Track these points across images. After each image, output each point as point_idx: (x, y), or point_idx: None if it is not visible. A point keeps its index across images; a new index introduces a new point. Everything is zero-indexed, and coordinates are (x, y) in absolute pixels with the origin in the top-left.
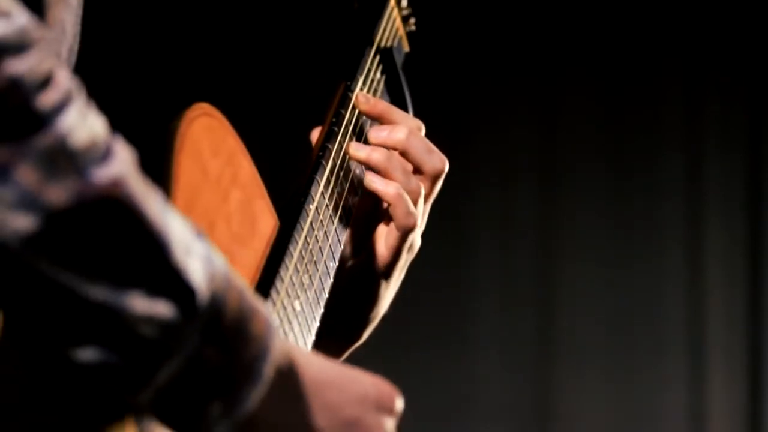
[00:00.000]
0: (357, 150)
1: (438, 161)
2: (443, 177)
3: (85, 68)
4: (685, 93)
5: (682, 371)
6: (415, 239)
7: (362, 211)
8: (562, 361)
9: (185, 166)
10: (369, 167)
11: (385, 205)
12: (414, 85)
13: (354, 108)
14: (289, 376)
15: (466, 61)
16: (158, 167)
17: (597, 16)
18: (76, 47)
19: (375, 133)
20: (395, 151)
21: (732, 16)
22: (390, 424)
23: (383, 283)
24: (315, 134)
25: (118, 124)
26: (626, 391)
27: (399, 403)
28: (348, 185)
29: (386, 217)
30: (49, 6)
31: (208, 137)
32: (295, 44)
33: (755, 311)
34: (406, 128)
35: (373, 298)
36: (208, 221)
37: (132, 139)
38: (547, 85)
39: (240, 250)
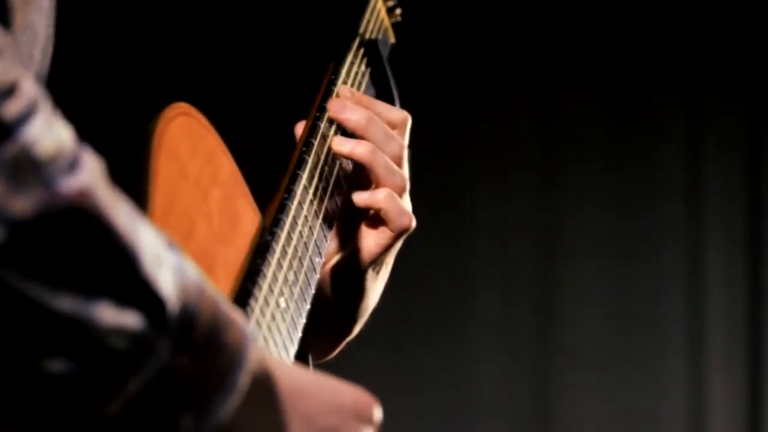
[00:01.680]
0: (340, 145)
1: (396, 147)
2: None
3: (62, 70)
4: (685, 93)
5: (682, 371)
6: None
7: (348, 205)
8: (562, 361)
9: (163, 166)
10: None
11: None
12: (414, 85)
13: None
14: (265, 386)
15: (466, 60)
16: (136, 169)
17: (597, 16)
18: (49, 49)
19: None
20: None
21: (732, 16)
22: None
23: (371, 276)
24: (299, 129)
25: (95, 126)
26: (626, 391)
27: (378, 414)
28: (333, 180)
29: (365, 213)
30: (15, 9)
31: (186, 137)
32: (278, 38)
33: (755, 311)
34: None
35: (362, 292)
36: (188, 221)
37: (109, 140)
38: (546, 84)
39: (222, 249)
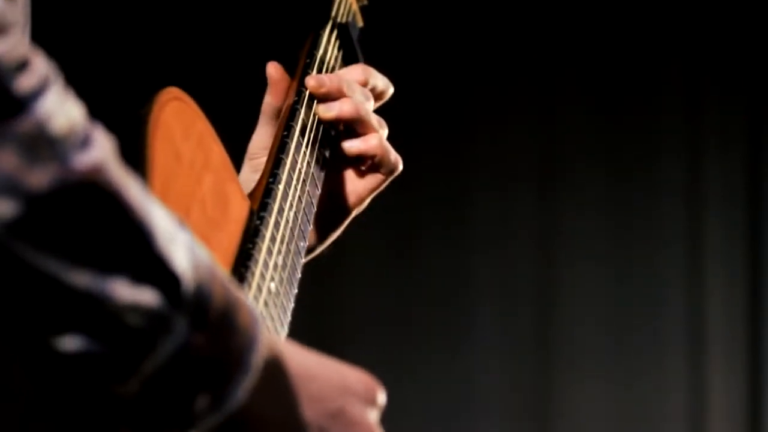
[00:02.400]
0: (327, 110)
1: (383, 83)
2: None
3: (53, 57)
4: (685, 93)
5: (682, 371)
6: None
7: (334, 156)
8: (562, 362)
9: (159, 151)
10: (342, 122)
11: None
12: (413, 90)
13: None
14: (275, 369)
15: (465, 64)
16: (132, 154)
17: (596, 18)
18: (27, 31)
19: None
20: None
21: (731, 16)
22: (374, 415)
23: (352, 214)
24: (272, 71)
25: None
26: (626, 391)
27: (381, 396)
28: (314, 161)
29: (356, 159)
30: None
31: (179, 122)
32: (253, 23)
33: (755, 311)
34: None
35: (339, 229)
36: (183, 206)
37: (103, 125)
38: (546, 84)
39: (215, 233)
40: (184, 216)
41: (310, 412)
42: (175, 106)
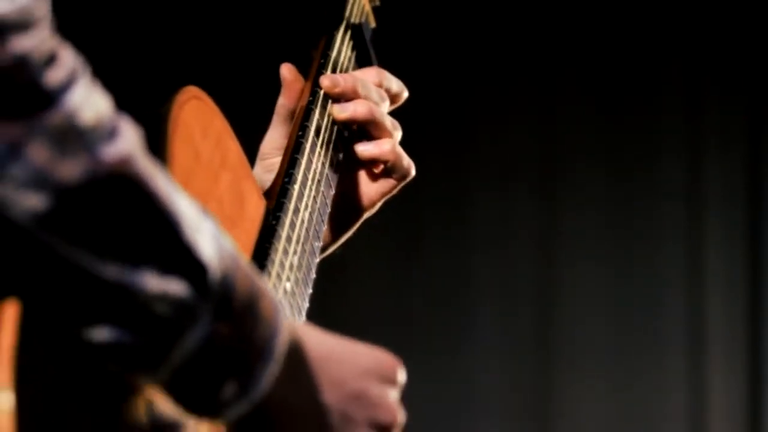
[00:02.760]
0: (342, 111)
1: (397, 86)
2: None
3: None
4: (685, 93)
5: (682, 371)
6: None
7: (347, 157)
8: (562, 361)
9: (179, 150)
10: (356, 123)
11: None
12: (413, 91)
13: None
14: (296, 355)
15: (466, 64)
16: (152, 152)
17: (596, 19)
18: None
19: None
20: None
21: (731, 17)
22: (394, 394)
23: (364, 216)
24: (286, 72)
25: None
26: (626, 391)
27: (401, 374)
28: (329, 162)
29: (371, 162)
30: None
31: (198, 121)
32: (267, 24)
33: (755, 311)
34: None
35: (350, 231)
36: (201, 204)
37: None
38: (546, 84)
39: (231, 231)
40: None
41: (331, 395)
42: (195, 105)
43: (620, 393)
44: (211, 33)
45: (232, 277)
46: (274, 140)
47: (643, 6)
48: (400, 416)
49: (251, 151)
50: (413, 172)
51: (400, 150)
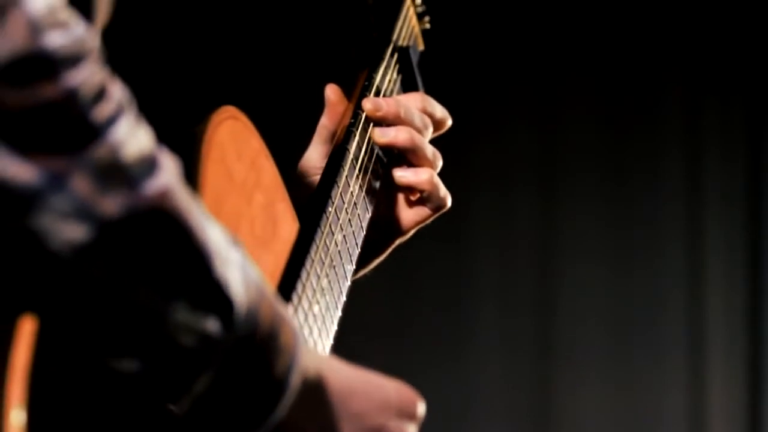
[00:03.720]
0: (382, 135)
1: (441, 113)
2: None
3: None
4: (685, 94)
5: (682, 372)
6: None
7: (385, 180)
8: (562, 362)
9: (212, 171)
10: (395, 149)
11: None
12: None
13: None
14: (316, 385)
15: (467, 67)
16: (185, 171)
17: (596, 21)
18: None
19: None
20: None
21: (731, 18)
22: (412, 429)
23: (397, 241)
24: (332, 93)
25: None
26: (626, 391)
27: (421, 408)
28: (366, 185)
29: (408, 188)
30: (99, 3)
31: (233, 141)
32: (311, 44)
33: (755, 312)
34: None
35: (382, 254)
36: (232, 225)
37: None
38: (546, 84)
39: (262, 253)
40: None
41: (350, 428)
42: (230, 125)
43: (620, 393)
44: (259, 52)
45: (256, 310)
46: (312, 159)
47: (643, 7)
48: None
49: (289, 167)
50: (449, 204)
51: (437, 181)
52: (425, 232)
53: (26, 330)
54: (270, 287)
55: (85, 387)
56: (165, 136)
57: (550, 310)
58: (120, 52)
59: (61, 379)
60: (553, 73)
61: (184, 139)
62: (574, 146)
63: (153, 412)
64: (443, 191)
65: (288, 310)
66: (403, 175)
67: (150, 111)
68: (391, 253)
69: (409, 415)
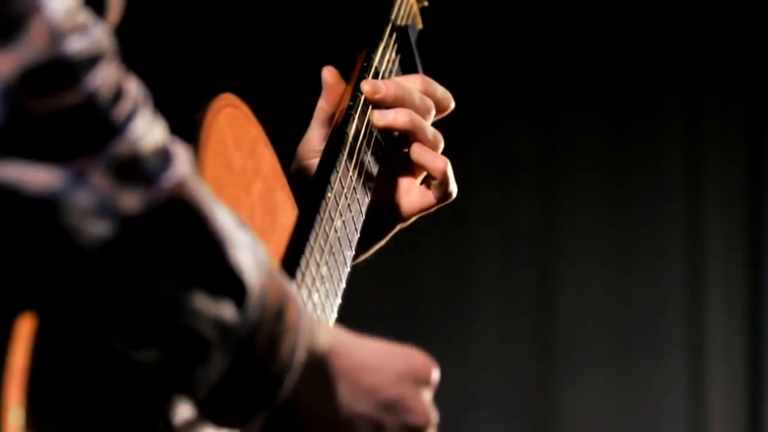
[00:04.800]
0: (381, 118)
1: (442, 95)
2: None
3: None
4: (685, 94)
5: (682, 372)
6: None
7: (388, 164)
8: (562, 362)
9: (211, 159)
10: (395, 131)
11: (422, 173)
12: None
13: None
14: (325, 361)
15: (467, 66)
16: None
17: (596, 21)
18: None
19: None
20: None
21: (731, 18)
22: (427, 395)
23: (398, 227)
24: (328, 75)
25: None
26: (626, 392)
27: (435, 374)
28: (366, 169)
29: (412, 172)
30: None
31: (232, 129)
32: (309, 24)
33: (755, 312)
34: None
35: (383, 237)
36: None
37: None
38: (546, 84)
39: (263, 242)
40: None
41: (364, 404)
42: (229, 113)
43: (620, 393)
44: (254, 34)
45: (266, 289)
46: (311, 143)
47: (643, 7)
48: (434, 416)
49: (288, 154)
50: (454, 196)
51: (450, 172)
52: (425, 232)
53: (24, 329)
54: (275, 266)
55: (85, 386)
56: (165, 122)
57: (550, 310)
58: (119, 40)
59: (60, 379)
60: (554, 73)
61: (183, 126)
62: (574, 146)
63: (150, 411)
64: (453, 184)
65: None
66: (421, 153)
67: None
68: (391, 254)
69: (424, 382)
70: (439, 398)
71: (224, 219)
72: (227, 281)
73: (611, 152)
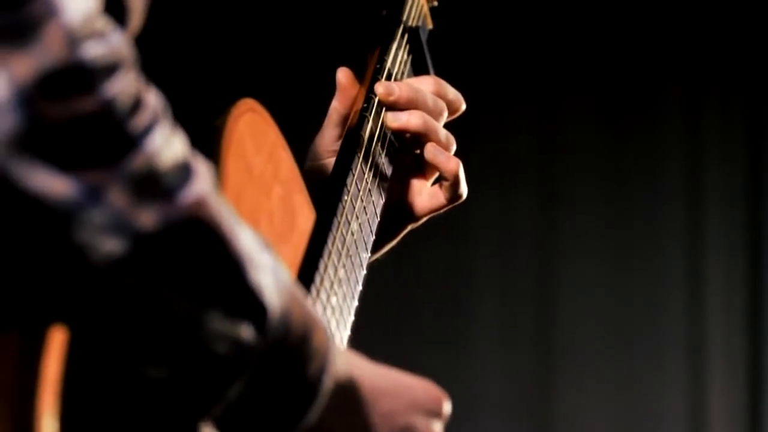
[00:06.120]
0: (395, 120)
1: (454, 96)
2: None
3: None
4: (685, 94)
5: (682, 372)
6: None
7: (401, 163)
8: (562, 361)
9: (232, 165)
10: (408, 133)
11: (433, 174)
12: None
13: None
14: (346, 386)
15: (466, 66)
16: None
17: (596, 22)
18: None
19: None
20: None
21: (731, 18)
22: (438, 427)
23: (409, 227)
24: (342, 76)
25: None
26: (626, 391)
27: (447, 407)
28: (380, 171)
29: (424, 173)
30: (133, 9)
31: (252, 134)
32: (321, 26)
33: (755, 312)
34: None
35: (395, 237)
36: (252, 220)
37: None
38: (546, 85)
39: (282, 247)
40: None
41: (380, 428)
42: (249, 118)
43: (620, 393)
44: (267, 36)
45: (289, 314)
46: (324, 143)
47: (643, 7)
48: None
49: (302, 154)
50: (464, 198)
51: (462, 174)
52: (425, 232)
53: (57, 339)
54: (300, 291)
55: (117, 395)
56: (184, 131)
57: (550, 310)
58: (138, 46)
59: (93, 388)
60: (553, 73)
61: (204, 133)
62: (574, 146)
63: (183, 423)
64: (464, 186)
65: (317, 311)
66: (435, 154)
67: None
68: (390, 254)
69: (436, 414)
70: None
71: (246, 240)
72: (246, 302)
73: (611, 152)
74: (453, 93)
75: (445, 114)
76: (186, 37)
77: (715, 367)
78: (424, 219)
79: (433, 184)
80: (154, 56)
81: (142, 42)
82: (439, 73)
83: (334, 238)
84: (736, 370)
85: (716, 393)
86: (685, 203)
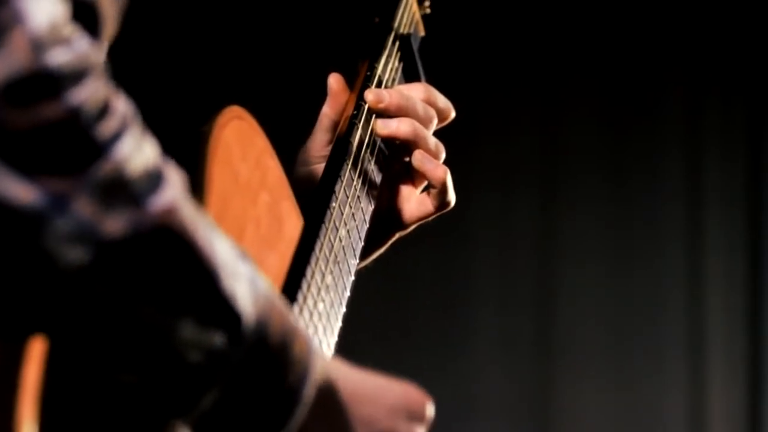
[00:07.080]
0: (384, 127)
1: (444, 104)
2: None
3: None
4: (685, 94)
5: (682, 372)
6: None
7: (390, 171)
8: (562, 362)
9: (218, 173)
10: (398, 140)
11: (422, 182)
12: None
13: None
14: (326, 392)
15: (468, 69)
16: (191, 171)
17: (596, 22)
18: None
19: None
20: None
21: (731, 18)
22: (420, 430)
23: (397, 234)
24: (333, 82)
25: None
26: (626, 392)
27: (430, 410)
28: (370, 177)
29: (413, 180)
30: (106, 18)
31: (238, 141)
32: (313, 34)
33: (755, 312)
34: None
35: (383, 244)
36: (238, 226)
37: (162, 142)
38: (547, 88)
39: (268, 253)
40: (238, 236)
41: None
42: (236, 125)
43: (620, 393)
44: (258, 42)
45: (266, 323)
46: (314, 148)
47: (643, 7)
48: None
49: (291, 160)
50: (452, 205)
51: (449, 182)
52: (425, 232)
53: (37, 348)
54: (281, 300)
55: (96, 402)
56: (171, 137)
57: (550, 310)
58: (122, 52)
59: (73, 394)
60: (554, 74)
61: (190, 139)
62: (575, 147)
63: (160, 430)
64: (451, 194)
65: (297, 316)
66: (423, 161)
67: (153, 111)
68: (390, 254)
69: (419, 417)
70: (439, 398)
71: (221, 248)
72: (219, 310)
73: (611, 153)
74: (443, 101)
75: (435, 121)
76: (176, 42)
77: (715, 367)
78: (413, 227)
79: (422, 191)
80: (143, 63)
81: (131, 48)
82: (438, 77)
83: (322, 245)
84: (736, 370)
85: (716, 393)
86: (685, 203)
